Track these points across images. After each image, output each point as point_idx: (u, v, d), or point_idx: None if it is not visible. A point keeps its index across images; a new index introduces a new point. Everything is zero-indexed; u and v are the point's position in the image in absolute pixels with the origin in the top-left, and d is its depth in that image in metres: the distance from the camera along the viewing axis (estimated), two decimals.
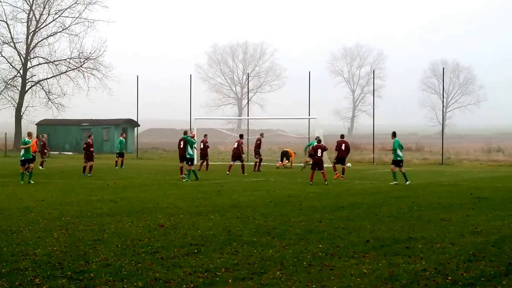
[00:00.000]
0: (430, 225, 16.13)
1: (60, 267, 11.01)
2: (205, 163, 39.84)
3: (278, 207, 19.81)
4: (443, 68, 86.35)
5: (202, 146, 39.84)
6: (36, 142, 37.84)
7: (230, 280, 10.20)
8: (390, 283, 10.10)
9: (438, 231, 15.10)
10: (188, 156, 30.73)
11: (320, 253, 12.33)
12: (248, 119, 70.55)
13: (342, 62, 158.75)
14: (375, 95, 65.13)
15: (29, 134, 30.12)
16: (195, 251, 12.52)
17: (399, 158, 29.32)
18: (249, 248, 12.80)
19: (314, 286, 9.95)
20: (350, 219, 17.23)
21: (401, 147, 29.60)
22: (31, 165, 29.11)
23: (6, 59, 73.44)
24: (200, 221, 16.54)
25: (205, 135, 40.84)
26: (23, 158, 28.95)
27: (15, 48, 73.81)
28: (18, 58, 74.21)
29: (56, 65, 74.76)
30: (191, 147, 30.90)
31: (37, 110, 75.06)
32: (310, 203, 21.01)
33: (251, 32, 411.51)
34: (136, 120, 62.95)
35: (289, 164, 43.48)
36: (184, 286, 9.90)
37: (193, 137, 31.05)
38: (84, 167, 34.33)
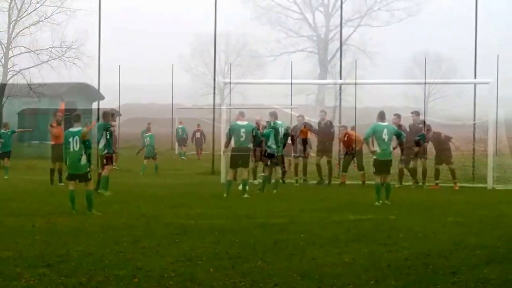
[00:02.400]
0: (412, 215, 16.18)
1: (41, 256, 10.95)
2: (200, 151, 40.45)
3: (260, 197, 19.79)
4: (425, 58, 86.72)
5: (198, 136, 40.34)
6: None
7: (211, 269, 10.18)
8: (371, 273, 10.12)
9: (420, 221, 15.15)
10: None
11: (301, 243, 12.33)
12: (230, 108, 70.44)
13: (324, 52, 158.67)
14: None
15: (5, 125, 29.41)
16: (177, 240, 12.50)
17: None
18: (231, 237, 12.78)
19: (295, 275, 9.94)
20: (332, 209, 17.25)
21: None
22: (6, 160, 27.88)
23: None
24: (182, 211, 16.51)
25: (198, 124, 41.50)
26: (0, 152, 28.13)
27: None
28: None
29: (37, 54, 74.20)
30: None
31: (18, 100, 74.53)
32: (292, 193, 21.02)
33: (234, 22, 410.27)
34: (117, 110, 62.53)
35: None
36: (166, 275, 9.87)
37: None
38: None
